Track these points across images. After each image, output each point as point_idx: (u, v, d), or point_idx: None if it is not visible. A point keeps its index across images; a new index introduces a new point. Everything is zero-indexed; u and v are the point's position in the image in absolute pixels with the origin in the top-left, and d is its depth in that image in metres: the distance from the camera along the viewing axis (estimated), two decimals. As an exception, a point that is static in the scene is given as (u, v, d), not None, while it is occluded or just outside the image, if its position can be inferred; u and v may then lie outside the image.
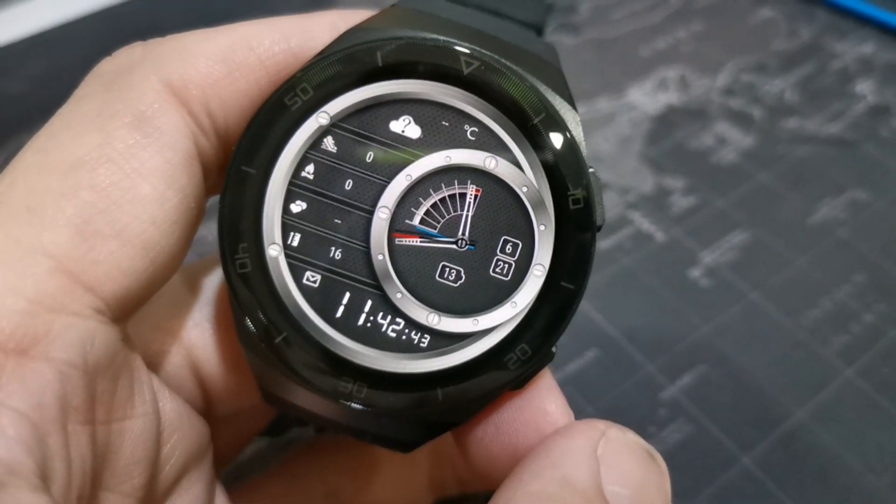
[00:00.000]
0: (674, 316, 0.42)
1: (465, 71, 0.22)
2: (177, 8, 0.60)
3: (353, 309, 0.22)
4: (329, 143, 0.22)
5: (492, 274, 0.22)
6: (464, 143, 0.22)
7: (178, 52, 0.22)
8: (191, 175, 0.21)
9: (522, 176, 0.22)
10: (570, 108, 0.23)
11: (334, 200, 0.22)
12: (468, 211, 0.22)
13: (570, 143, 0.22)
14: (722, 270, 0.44)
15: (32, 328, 0.17)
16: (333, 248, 0.22)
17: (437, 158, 0.22)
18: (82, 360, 0.18)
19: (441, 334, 0.22)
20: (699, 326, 0.41)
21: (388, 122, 0.22)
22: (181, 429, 0.23)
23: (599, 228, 0.22)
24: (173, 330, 0.25)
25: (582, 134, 0.22)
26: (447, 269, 0.22)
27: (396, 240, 0.22)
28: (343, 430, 0.24)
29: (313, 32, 0.23)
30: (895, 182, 0.48)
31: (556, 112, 0.22)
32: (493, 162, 0.22)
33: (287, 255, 0.22)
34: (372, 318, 0.22)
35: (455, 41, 0.22)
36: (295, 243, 0.22)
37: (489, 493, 0.21)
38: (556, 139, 0.22)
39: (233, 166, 0.22)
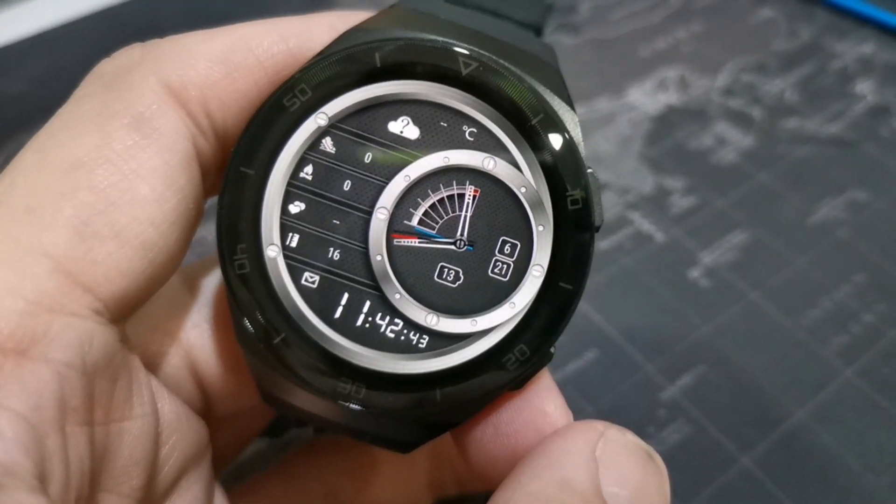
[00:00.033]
0: (673, 316, 0.42)
1: (464, 72, 0.22)
2: (177, 8, 0.60)
3: (352, 309, 0.22)
4: (328, 144, 0.22)
5: (490, 274, 0.22)
6: (462, 144, 0.22)
7: (177, 53, 0.22)
8: (189, 176, 0.21)
9: (521, 176, 0.22)
10: (569, 108, 0.23)
11: (333, 201, 0.22)
12: (466, 211, 0.22)
13: (568, 144, 0.22)
14: (722, 270, 0.44)
15: (31, 328, 0.17)
16: (332, 249, 0.22)
17: (436, 159, 0.22)
18: (81, 361, 0.18)
19: (440, 335, 0.22)
20: (699, 327, 0.41)
21: (386, 123, 0.22)
22: (180, 429, 0.23)
23: (598, 229, 0.22)
24: (172, 331, 0.25)
25: (580, 134, 0.22)
26: (446, 270, 0.22)
27: (395, 240, 0.22)
28: (342, 430, 0.24)
29: (312, 33, 0.23)
30: (895, 182, 0.48)
31: (555, 113, 0.22)
32: (492, 162, 0.22)
33: (286, 256, 0.22)
34: (370, 318, 0.22)
35: (453, 42, 0.22)
36: (293, 244, 0.22)
37: (488, 494, 0.21)
38: (555, 140, 0.22)
39: (231, 167, 0.22)
